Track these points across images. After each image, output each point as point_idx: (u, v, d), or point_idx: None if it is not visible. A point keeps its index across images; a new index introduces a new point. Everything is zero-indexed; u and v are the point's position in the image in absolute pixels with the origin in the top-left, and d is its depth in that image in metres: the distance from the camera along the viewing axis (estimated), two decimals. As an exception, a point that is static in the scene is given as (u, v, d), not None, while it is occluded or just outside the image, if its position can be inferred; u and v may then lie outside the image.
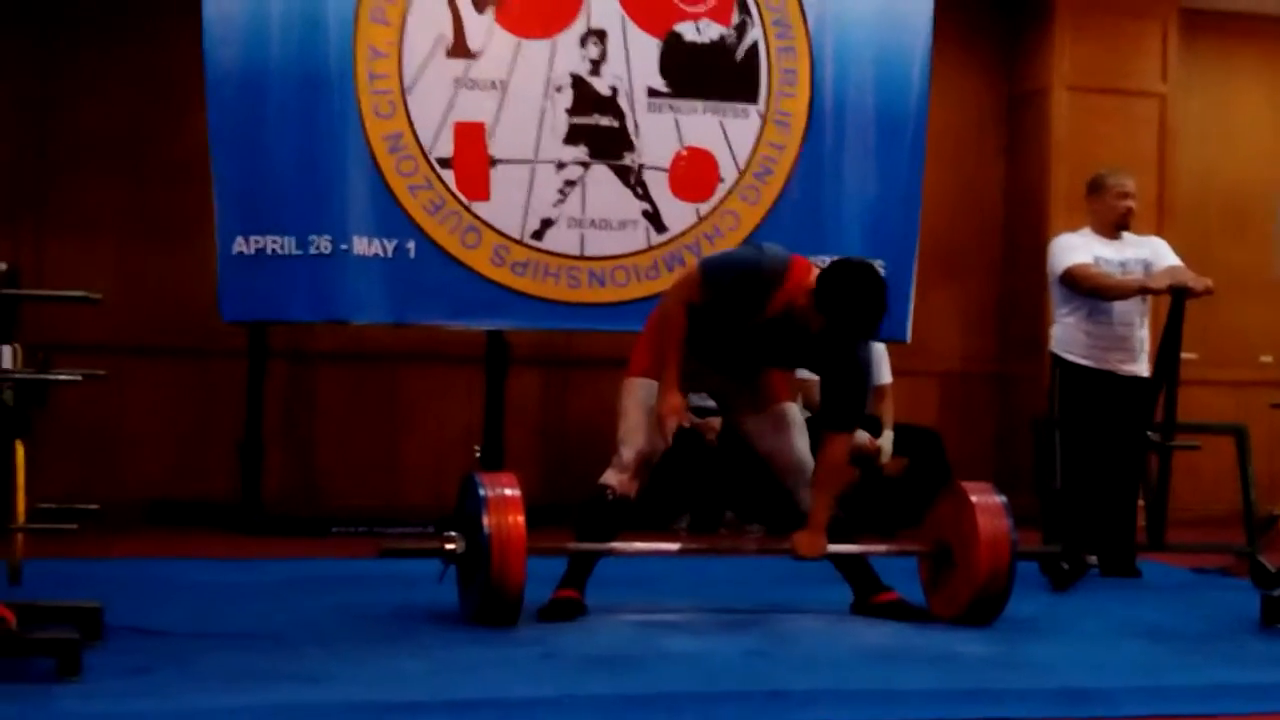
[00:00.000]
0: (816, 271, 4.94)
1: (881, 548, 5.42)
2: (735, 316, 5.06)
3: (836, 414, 5.11)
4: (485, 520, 4.78)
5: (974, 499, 5.16)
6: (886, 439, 7.75)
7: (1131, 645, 4.98)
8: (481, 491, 4.86)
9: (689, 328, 5.04)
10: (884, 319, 4.97)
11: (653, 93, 7.10)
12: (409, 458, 7.96)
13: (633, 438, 5.17)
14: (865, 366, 5.10)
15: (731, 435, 7.21)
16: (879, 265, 7.21)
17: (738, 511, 7.71)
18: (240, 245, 6.67)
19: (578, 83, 7.02)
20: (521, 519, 4.81)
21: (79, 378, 4.52)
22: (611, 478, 5.18)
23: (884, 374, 7.88)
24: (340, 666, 4.20)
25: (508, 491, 4.88)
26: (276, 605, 5.24)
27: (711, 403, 7.02)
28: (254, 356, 7.39)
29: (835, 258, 5.01)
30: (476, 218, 6.86)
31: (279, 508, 7.58)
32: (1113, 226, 6.64)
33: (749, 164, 7.14)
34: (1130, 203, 6.64)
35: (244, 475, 7.38)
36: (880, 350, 7.83)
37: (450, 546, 4.93)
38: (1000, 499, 5.19)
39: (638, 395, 5.19)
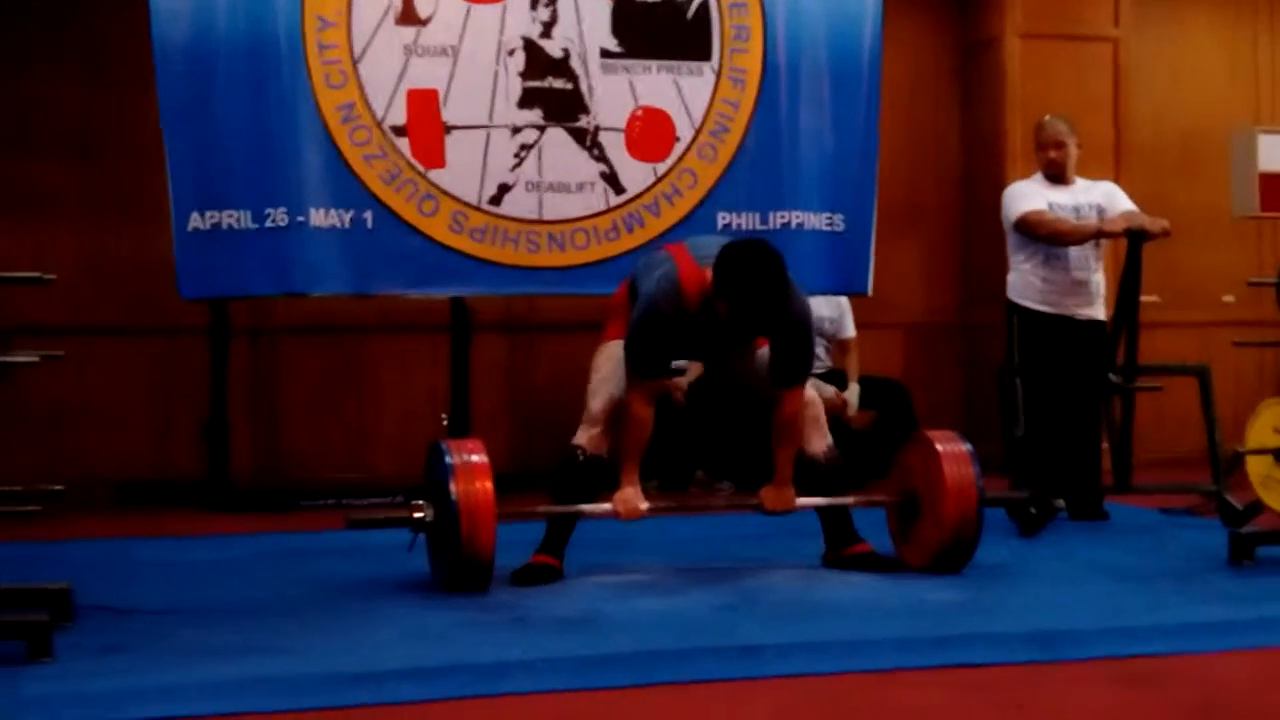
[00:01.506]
0: (709, 268, 4.92)
1: (850, 499, 5.42)
2: (683, 339, 5.10)
3: (786, 371, 5.11)
4: (453, 487, 4.77)
5: (940, 447, 5.18)
6: (853, 392, 7.77)
7: (1100, 587, 5.02)
8: (448, 459, 4.86)
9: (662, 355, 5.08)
10: (790, 298, 4.92)
11: (605, 53, 7.05)
12: (375, 428, 7.94)
13: (602, 388, 5.18)
14: (804, 320, 5.09)
15: (699, 394, 7.24)
16: (838, 220, 7.27)
17: (708, 469, 7.72)
18: (196, 221, 6.62)
19: (529, 46, 6.98)
20: (489, 485, 4.81)
21: (36, 359, 4.51)
22: (582, 436, 5.19)
23: (848, 327, 7.89)
24: (311, 638, 4.20)
25: (474, 458, 4.88)
26: (247, 580, 5.24)
27: (680, 361, 7.05)
28: (215, 333, 7.36)
29: (725, 243, 4.96)
30: (433, 185, 6.82)
31: (247, 483, 7.56)
32: (1044, 176, 6.67)
33: (705, 122, 7.11)
34: (1053, 153, 6.65)
35: (210, 452, 7.35)
36: (844, 304, 7.84)
37: (418, 515, 4.93)
38: (966, 446, 5.21)
39: (610, 351, 5.21)
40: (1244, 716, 3.56)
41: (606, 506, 5.07)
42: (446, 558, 4.84)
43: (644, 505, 5.07)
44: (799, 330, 5.06)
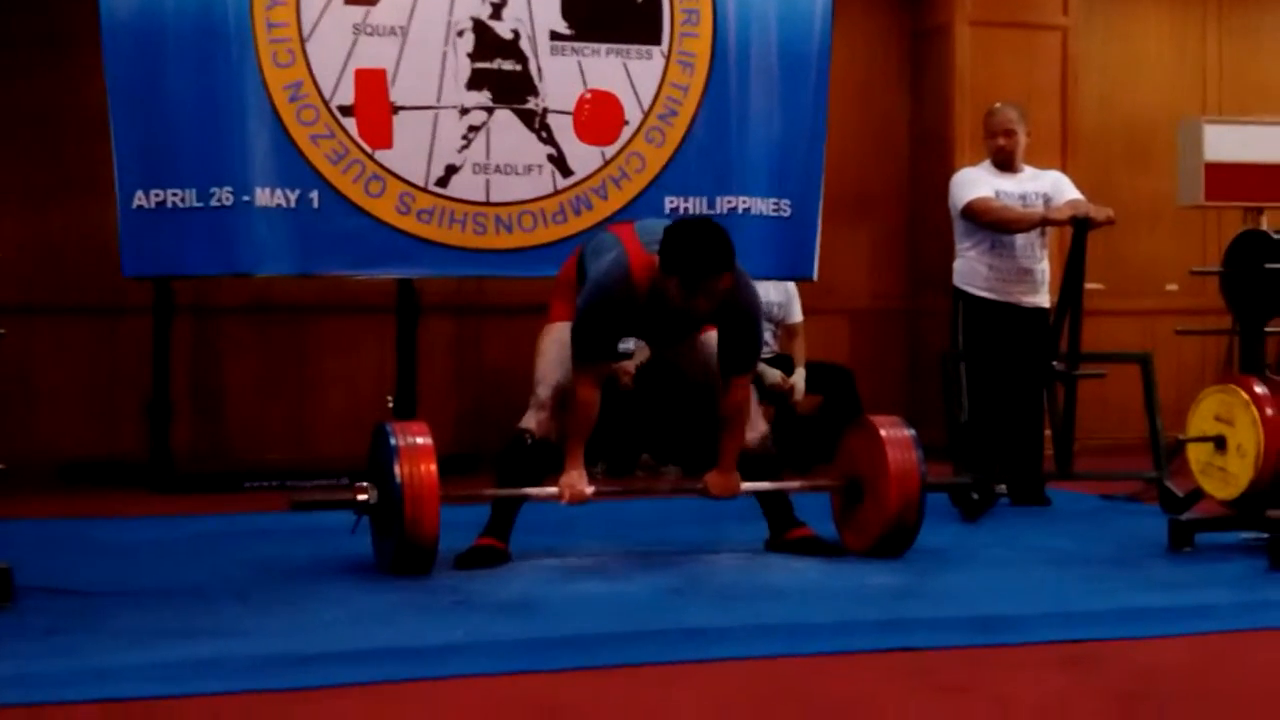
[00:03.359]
0: (656, 254, 4.91)
1: (794, 484, 5.44)
2: (631, 325, 5.12)
3: (734, 359, 5.11)
4: (397, 470, 4.76)
5: (883, 433, 5.20)
6: (799, 377, 7.78)
7: (1041, 572, 5.05)
8: (392, 441, 4.84)
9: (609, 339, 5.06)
10: (734, 254, 4.88)
11: (555, 35, 7.04)
12: (321, 410, 7.92)
13: (550, 374, 5.17)
14: (752, 308, 5.09)
15: (646, 377, 7.24)
16: (785, 205, 7.30)
17: (654, 453, 7.73)
18: (140, 199, 6.59)
19: (479, 27, 6.96)
20: (433, 467, 4.79)
21: (-24, 337, 4.47)
22: (530, 420, 5.18)
23: (796, 313, 7.91)
24: (253, 620, 4.18)
25: (419, 440, 4.86)
26: (189, 562, 5.22)
27: (627, 344, 7.05)
28: (159, 312, 7.30)
29: (669, 224, 4.98)
30: (380, 166, 6.80)
31: (190, 464, 7.52)
32: (993, 163, 6.71)
33: (653, 105, 7.11)
34: (1003, 140, 6.68)
35: (153, 433, 7.30)
36: (792, 289, 7.85)
37: (362, 497, 4.92)
38: (909, 432, 5.23)
39: (555, 335, 5.20)
40: (1180, 700, 3.59)
41: (552, 490, 5.07)
42: (390, 540, 4.83)
43: (589, 489, 5.07)
44: (747, 318, 5.07)
